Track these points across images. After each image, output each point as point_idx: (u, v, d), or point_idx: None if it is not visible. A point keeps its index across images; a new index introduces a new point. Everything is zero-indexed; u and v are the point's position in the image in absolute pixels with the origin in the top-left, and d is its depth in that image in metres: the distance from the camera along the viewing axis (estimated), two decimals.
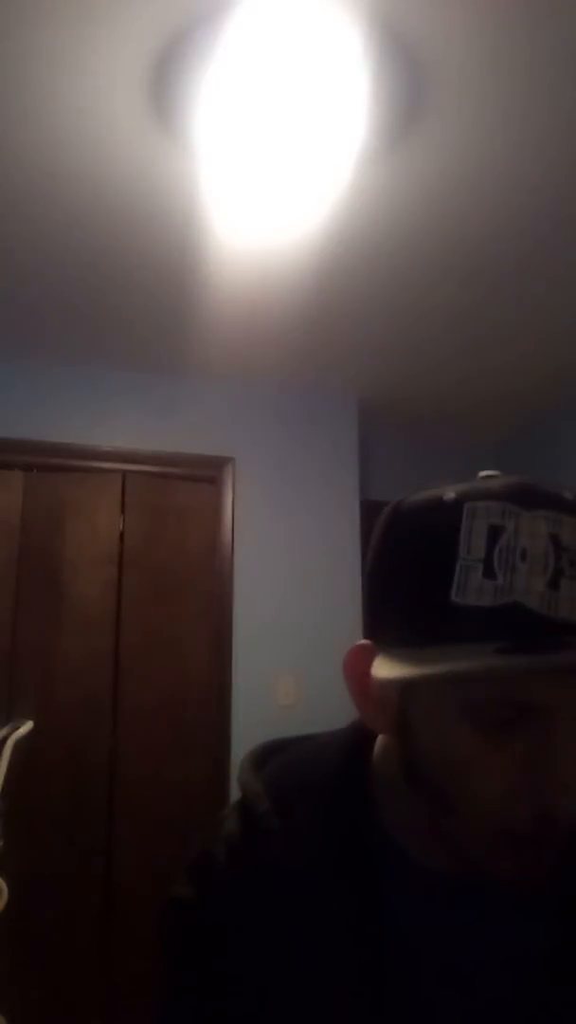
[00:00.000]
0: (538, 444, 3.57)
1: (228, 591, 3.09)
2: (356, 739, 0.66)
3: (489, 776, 0.51)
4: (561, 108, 1.81)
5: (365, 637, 0.60)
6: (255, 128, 1.82)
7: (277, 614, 3.11)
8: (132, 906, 2.74)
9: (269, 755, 0.69)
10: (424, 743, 0.55)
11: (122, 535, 3.07)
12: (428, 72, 1.70)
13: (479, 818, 0.52)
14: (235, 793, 0.69)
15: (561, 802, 0.49)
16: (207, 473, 3.19)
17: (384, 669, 0.56)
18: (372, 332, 2.88)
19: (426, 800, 0.56)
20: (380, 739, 0.63)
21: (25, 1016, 2.28)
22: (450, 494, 0.54)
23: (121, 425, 3.11)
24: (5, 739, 2.08)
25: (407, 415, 3.63)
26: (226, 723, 2.95)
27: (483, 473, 0.57)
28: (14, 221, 2.23)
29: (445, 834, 0.55)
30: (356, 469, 3.37)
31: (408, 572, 0.54)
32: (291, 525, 3.22)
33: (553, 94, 1.77)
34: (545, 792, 0.50)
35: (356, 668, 0.59)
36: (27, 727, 2.17)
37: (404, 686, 0.55)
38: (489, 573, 0.50)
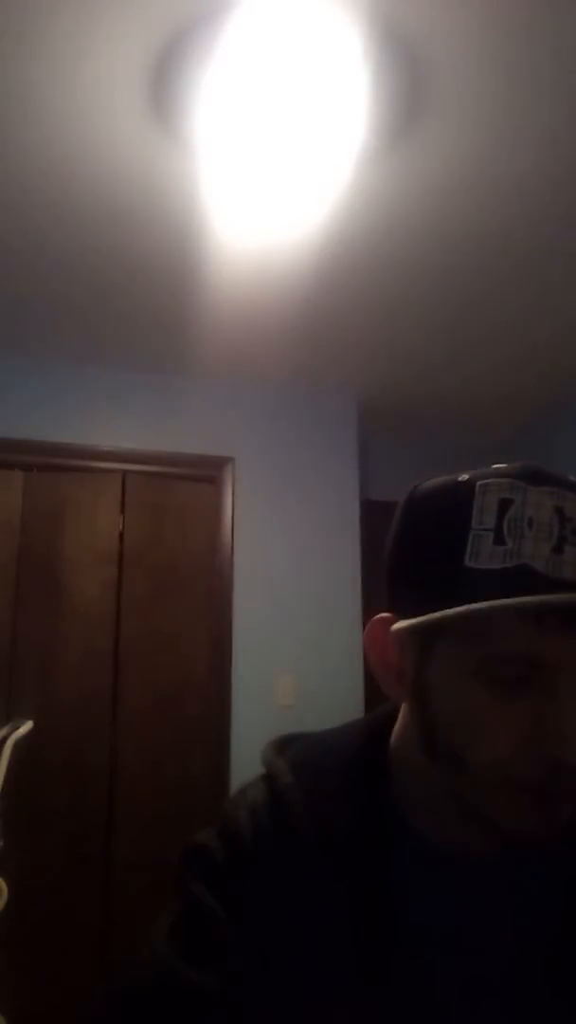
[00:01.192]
0: (538, 444, 3.57)
1: (228, 591, 3.09)
2: (374, 726, 0.69)
3: (499, 730, 0.54)
4: (560, 107, 1.81)
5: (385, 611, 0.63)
6: (255, 128, 1.83)
7: (277, 614, 3.11)
8: (132, 905, 2.74)
9: (291, 741, 0.72)
10: (439, 704, 0.58)
11: (122, 535, 3.07)
12: (428, 72, 1.70)
13: (491, 772, 0.55)
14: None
15: (567, 754, 0.52)
16: (207, 473, 3.19)
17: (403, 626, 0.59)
18: (372, 332, 2.88)
19: (442, 762, 0.58)
20: (399, 721, 0.66)
21: (25, 1016, 2.28)
22: (463, 476, 0.58)
23: (121, 425, 3.11)
24: (5, 739, 2.08)
25: (407, 415, 3.63)
26: (226, 723, 2.95)
27: (494, 466, 0.62)
28: (14, 221, 2.23)
29: (460, 796, 0.57)
30: (356, 469, 3.37)
31: (425, 544, 0.58)
32: (291, 525, 3.22)
33: (552, 94, 1.77)
34: (552, 744, 0.52)
35: (376, 638, 0.62)
36: (27, 727, 2.16)
37: (421, 649, 0.58)
38: (499, 540, 0.54)
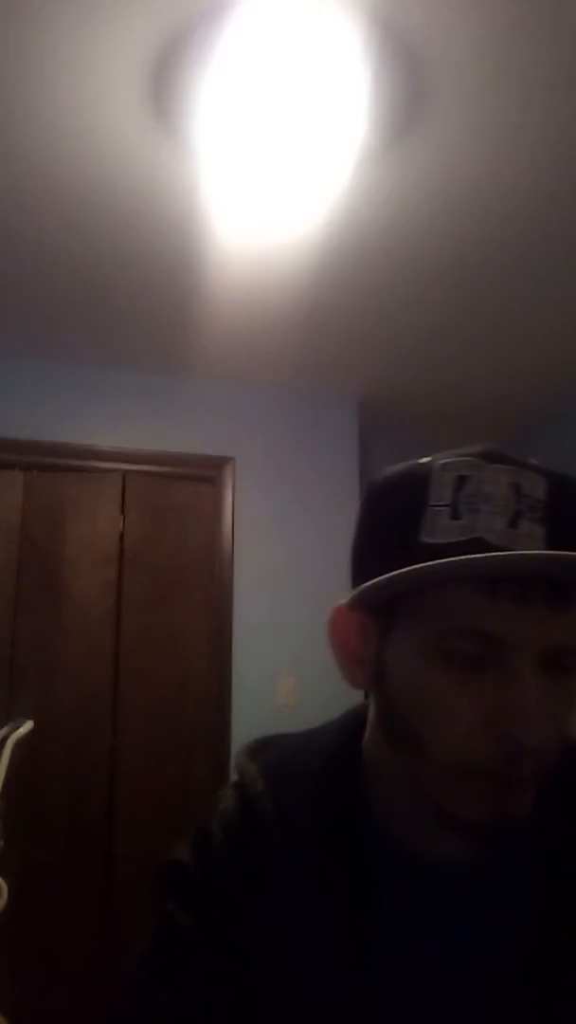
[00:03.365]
0: (538, 444, 3.57)
1: (228, 591, 3.09)
2: (348, 728, 0.68)
3: (456, 711, 0.53)
4: (560, 106, 1.81)
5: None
6: (255, 128, 1.83)
7: (277, 614, 3.11)
8: (133, 905, 2.74)
9: (265, 745, 0.71)
10: (398, 685, 0.57)
11: (122, 535, 3.07)
12: (428, 71, 1.70)
13: (448, 754, 0.54)
14: None
15: (523, 735, 0.51)
16: (207, 473, 3.19)
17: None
18: (372, 331, 2.88)
19: (401, 747, 0.57)
20: (369, 719, 0.65)
21: (25, 1016, 2.28)
22: (424, 459, 0.59)
23: (121, 425, 3.11)
24: (5, 739, 2.08)
25: (407, 415, 3.63)
26: (226, 723, 2.95)
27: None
28: (14, 221, 2.23)
29: (419, 786, 0.57)
30: (356, 469, 3.37)
31: (385, 524, 0.59)
32: (291, 525, 3.22)
33: (552, 92, 1.77)
34: (508, 725, 0.51)
35: (338, 625, 0.62)
36: (27, 727, 2.16)
37: (380, 632, 0.58)
38: (455, 515, 0.54)
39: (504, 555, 0.51)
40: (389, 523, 0.58)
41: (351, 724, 0.68)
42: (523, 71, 1.70)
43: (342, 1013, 0.56)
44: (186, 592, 3.09)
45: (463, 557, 0.51)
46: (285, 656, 3.06)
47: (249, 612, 3.08)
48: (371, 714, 0.64)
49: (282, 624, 3.10)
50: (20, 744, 2.10)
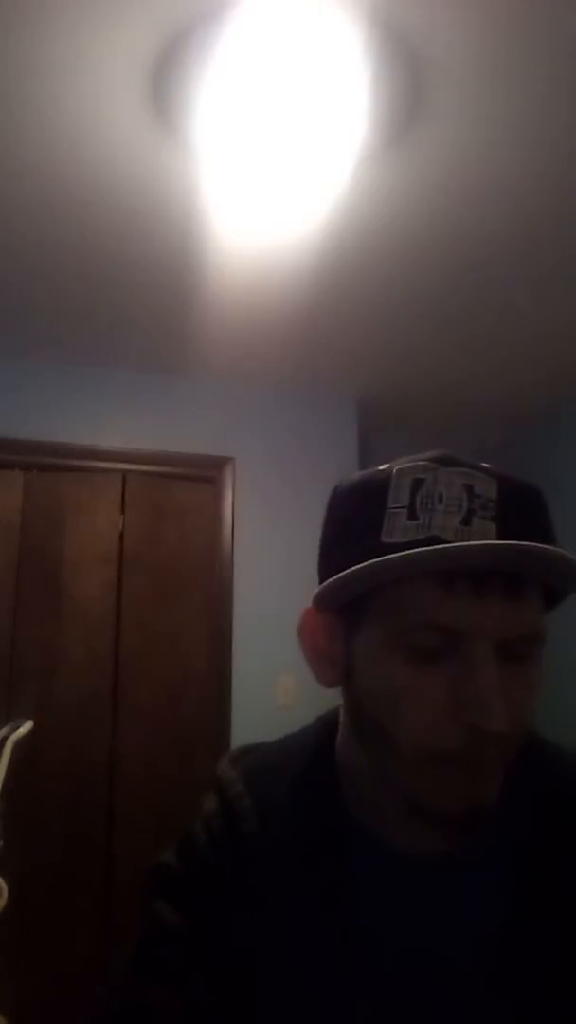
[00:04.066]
0: (538, 444, 3.57)
1: (228, 591, 3.09)
2: (323, 731, 0.70)
3: (419, 701, 0.55)
4: (560, 106, 1.81)
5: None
6: (255, 127, 1.83)
7: (277, 614, 3.11)
8: (132, 906, 2.73)
9: (245, 753, 0.73)
10: (365, 681, 0.59)
11: (122, 535, 3.07)
12: (428, 71, 1.70)
13: (413, 744, 0.55)
14: None
15: (484, 721, 0.53)
16: (207, 473, 3.19)
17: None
18: (372, 332, 2.88)
19: (369, 741, 0.60)
20: (341, 720, 0.67)
21: (25, 1015, 2.28)
22: (383, 466, 0.61)
23: (121, 425, 3.11)
24: (5, 739, 2.08)
25: (407, 415, 3.63)
26: (225, 723, 2.95)
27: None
28: (14, 221, 2.23)
29: (388, 779, 0.58)
30: (356, 469, 3.37)
31: (346, 529, 0.62)
32: (291, 525, 3.22)
33: (552, 93, 1.77)
34: (471, 713, 0.53)
35: (307, 627, 0.65)
36: (27, 727, 2.16)
37: (347, 631, 0.61)
38: (412, 516, 0.57)
39: (450, 546, 0.53)
40: (350, 526, 0.60)
41: (325, 727, 0.70)
42: (523, 71, 1.70)
43: (326, 1007, 0.58)
44: (186, 592, 3.09)
45: (413, 551, 0.53)
46: (285, 656, 3.06)
47: (249, 612, 3.08)
48: (342, 714, 0.66)
49: (282, 624, 3.09)
50: (20, 744, 2.09)
